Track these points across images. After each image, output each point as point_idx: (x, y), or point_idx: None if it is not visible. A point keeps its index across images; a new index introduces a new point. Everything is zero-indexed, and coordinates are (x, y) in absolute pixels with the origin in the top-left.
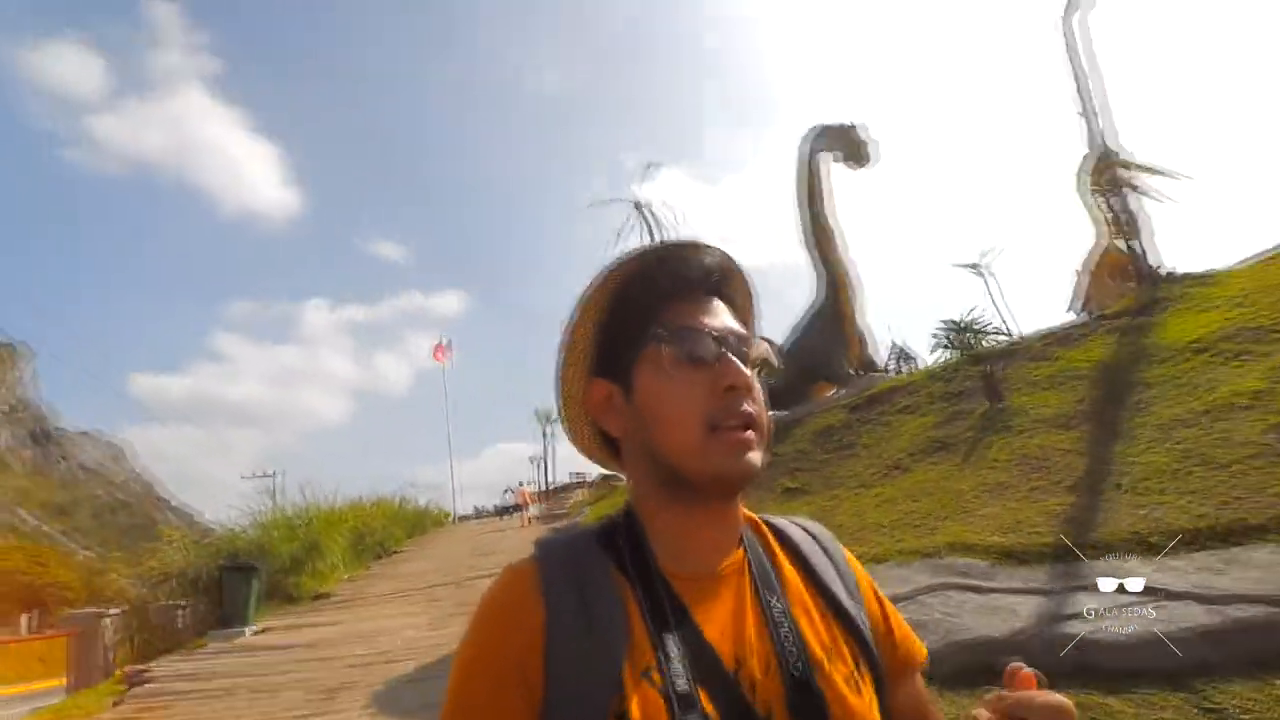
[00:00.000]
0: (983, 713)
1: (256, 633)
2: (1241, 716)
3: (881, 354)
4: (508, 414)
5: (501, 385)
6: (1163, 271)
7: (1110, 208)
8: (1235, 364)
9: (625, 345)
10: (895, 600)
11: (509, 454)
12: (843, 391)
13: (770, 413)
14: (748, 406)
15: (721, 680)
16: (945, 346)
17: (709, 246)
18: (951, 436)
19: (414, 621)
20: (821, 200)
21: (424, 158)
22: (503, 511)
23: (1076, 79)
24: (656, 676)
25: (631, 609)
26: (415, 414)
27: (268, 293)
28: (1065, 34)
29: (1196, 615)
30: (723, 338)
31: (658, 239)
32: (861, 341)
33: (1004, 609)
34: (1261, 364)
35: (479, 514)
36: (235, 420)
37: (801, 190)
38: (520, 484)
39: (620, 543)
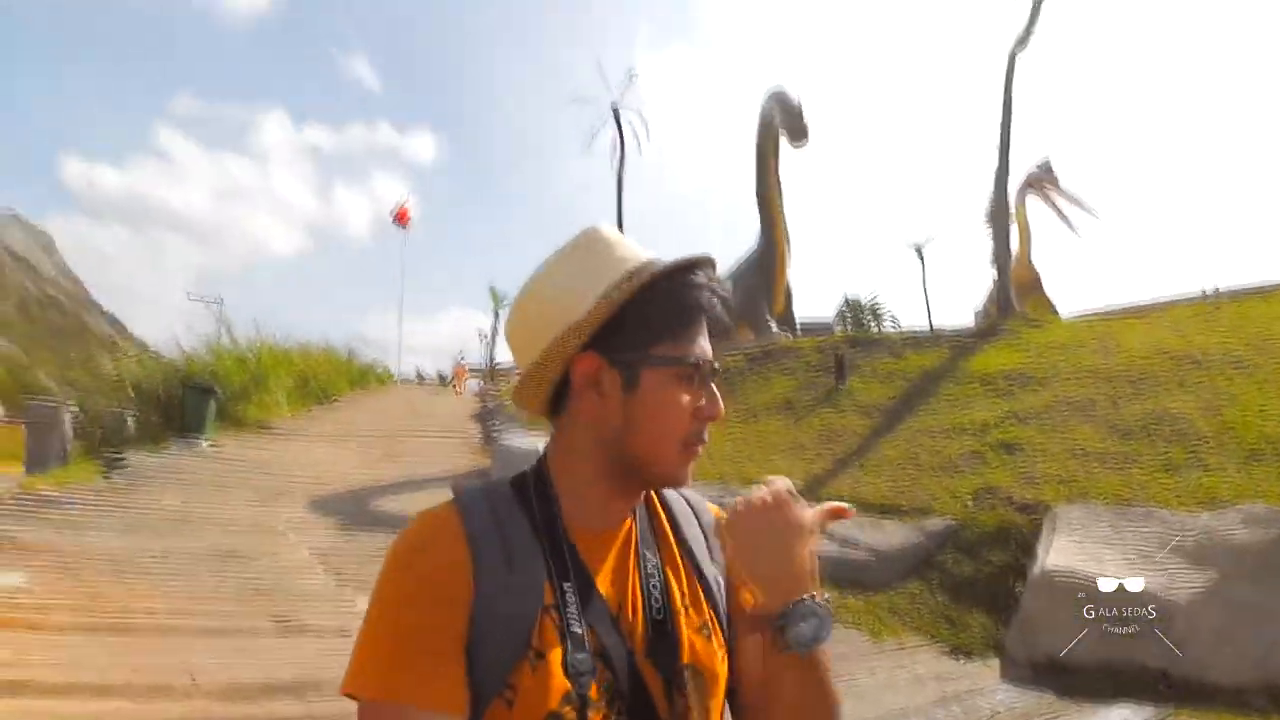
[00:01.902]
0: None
1: (210, 445)
2: None
3: (830, 309)
4: (467, 281)
5: (465, 250)
6: (1050, 297)
7: (999, 234)
8: (995, 399)
9: (641, 339)
10: None
11: (463, 321)
12: (754, 339)
13: None
14: (708, 431)
15: (606, 621)
16: (844, 321)
17: (727, 287)
18: (799, 400)
19: (346, 458)
20: (776, 158)
21: None
22: (445, 380)
23: (1004, 111)
24: (556, 616)
25: (542, 557)
26: (372, 263)
27: (222, 91)
28: (1008, 66)
29: (830, 551)
30: (715, 372)
31: (626, 148)
32: (786, 298)
33: None
34: (1008, 404)
35: (421, 378)
36: (174, 228)
37: (761, 144)
38: (461, 358)
39: (531, 498)
